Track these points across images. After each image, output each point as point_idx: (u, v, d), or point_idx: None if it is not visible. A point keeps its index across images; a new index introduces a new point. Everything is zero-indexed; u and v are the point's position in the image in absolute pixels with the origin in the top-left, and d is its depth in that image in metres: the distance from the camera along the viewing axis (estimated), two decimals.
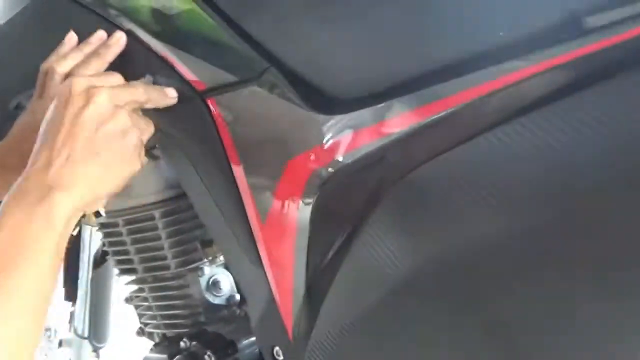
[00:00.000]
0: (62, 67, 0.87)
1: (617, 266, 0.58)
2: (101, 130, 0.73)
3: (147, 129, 0.79)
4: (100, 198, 0.76)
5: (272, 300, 0.79)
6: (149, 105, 0.80)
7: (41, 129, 0.75)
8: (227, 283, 1.00)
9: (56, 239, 0.70)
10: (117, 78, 0.78)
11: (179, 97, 0.82)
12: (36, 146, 0.74)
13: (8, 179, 0.78)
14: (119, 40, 0.86)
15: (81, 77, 0.75)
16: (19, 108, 1.03)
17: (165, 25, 0.83)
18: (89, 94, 0.73)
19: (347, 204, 0.73)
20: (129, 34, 0.85)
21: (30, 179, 0.71)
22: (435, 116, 0.68)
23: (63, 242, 0.72)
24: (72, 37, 0.89)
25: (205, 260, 1.01)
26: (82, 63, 0.86)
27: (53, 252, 0.70)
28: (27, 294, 0.68)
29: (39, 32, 0.95)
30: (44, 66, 0.89)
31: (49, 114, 0.75)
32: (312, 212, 0.74)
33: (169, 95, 0.81)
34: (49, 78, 0.88)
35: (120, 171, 0.76)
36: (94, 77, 0.77)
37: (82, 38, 0.89)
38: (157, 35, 0.83)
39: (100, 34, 0.87)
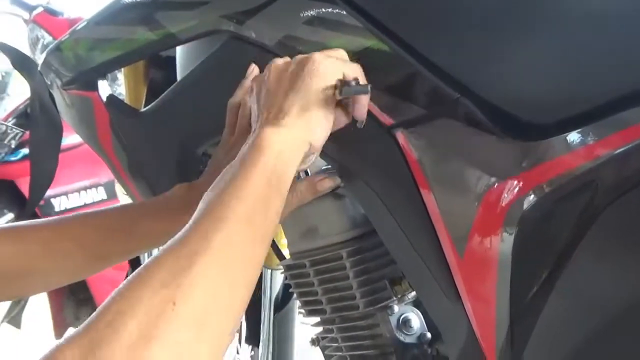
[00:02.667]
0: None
1: None
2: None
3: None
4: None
5: (472, 336, 0.78)
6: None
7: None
8: (417, 321, 1.00)
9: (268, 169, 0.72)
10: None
11: (367, 133, 0.82)
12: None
13: None
14: None
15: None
16: (205, 155, 1.07)
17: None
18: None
19: (552, 233, 0.70)
20: None
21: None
22: None
23: (281, 179, 0.73)
24: (254, 68, 0.91)
25: (394, 298, 1.00)
26: None
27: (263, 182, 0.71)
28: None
29: (220, 80, 0.98)
30: (232, 102, 0.93)
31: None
32: (515, 244, 0.72)
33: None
34: (239, 112, 0.92)
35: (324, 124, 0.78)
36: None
37: None
38: None
39: None
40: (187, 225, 0.66)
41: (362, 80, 0.77)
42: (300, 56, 0.79)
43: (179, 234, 0.65)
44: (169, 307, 0.59)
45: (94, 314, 0.59)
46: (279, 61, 0.80)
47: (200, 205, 0.69)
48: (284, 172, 0.73)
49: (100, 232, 0.96)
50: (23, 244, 0.93)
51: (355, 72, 0.78)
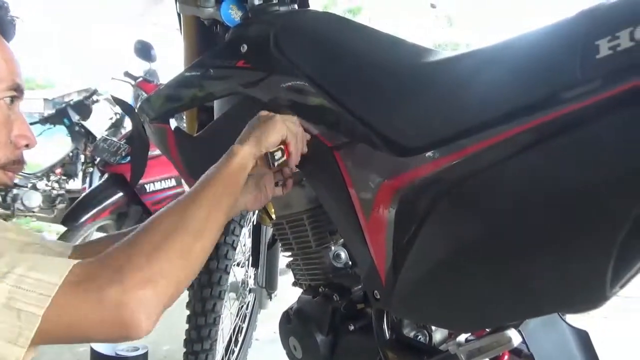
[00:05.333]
0: None
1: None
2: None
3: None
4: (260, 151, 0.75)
5: (372, 263, 0.77)
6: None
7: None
8: (344, 255, 0.99)
9: (234, 169, 0.71)
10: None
11: (318, 151, 0.81)
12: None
13: None
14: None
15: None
16: None
17: (307, 109, 0.83)
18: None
19: (416, 206, 0.70)
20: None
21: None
22: (465, 156, 0.64)
23: (239, 172, 0.72)
24: None
25: (332, 242, 0.99)
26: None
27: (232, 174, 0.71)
28: (220, 194, 0.68)
29: (236, 121, 0.94)
30: None
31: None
32: (396, 212, 0.72)
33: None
34: None
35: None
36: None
37: None
38: (303, 116, 0.83)
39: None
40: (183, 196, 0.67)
41: (299, 139, 0.77)
42: (271, 114, 0.76)
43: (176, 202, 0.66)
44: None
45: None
46: (263, 113, 0.78)
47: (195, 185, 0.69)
48: (239, 171, 0.72)
49: None
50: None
51: (296, 134, 0.77)
